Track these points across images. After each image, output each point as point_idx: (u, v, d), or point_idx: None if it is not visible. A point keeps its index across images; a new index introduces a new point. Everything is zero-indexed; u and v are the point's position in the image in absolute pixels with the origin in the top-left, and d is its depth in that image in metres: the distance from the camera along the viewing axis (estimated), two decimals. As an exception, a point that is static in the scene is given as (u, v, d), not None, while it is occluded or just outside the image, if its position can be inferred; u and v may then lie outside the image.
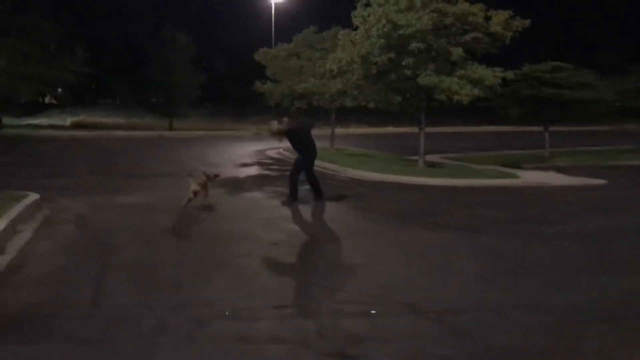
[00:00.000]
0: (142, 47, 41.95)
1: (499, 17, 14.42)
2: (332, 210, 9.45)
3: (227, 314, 4.50)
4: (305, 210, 9.35)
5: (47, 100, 56.39)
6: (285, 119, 10.10)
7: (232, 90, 52.45)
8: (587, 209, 10.33)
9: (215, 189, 10.06)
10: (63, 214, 8.62)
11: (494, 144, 27.42)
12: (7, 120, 34.14)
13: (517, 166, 16.68)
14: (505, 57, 16.37)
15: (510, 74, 15.18)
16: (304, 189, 10.04)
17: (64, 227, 7.71)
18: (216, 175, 9.82)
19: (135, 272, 5.66)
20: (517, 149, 23.95)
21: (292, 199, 9.72)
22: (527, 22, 14.56)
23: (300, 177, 9.84)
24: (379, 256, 6.57)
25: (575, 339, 4.18)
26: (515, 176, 14.17)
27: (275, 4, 39.85)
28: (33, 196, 9.15)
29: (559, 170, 16.15)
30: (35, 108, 48.54)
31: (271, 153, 21.14)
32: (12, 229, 7.15)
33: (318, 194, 9.97)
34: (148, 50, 40.07)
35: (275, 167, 16.50)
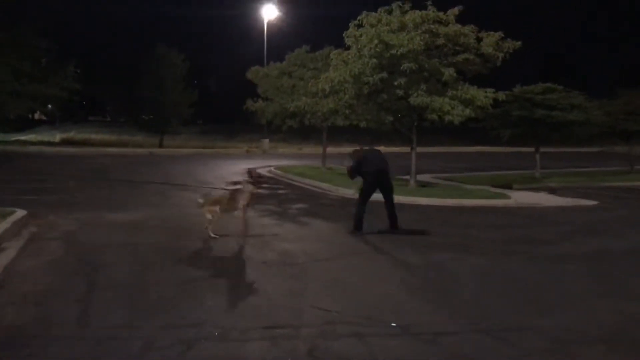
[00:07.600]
0: (133, 64, 41.95)
1: (491, 38, 14.58)
2: (324, 230, 9.37)
3: (216, 334, 4.39)
4: (297, 230, 9.26)
5: (36, 116, 56.24)
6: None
7: (223, 109, 52.70)
8: (578, 230, 10.32)
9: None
10: (50, 231, 8.48)
11: (486, 164, 27.52)
12: (-5, 136, 33.94)
13: (508, 186, 16.72)
14: (497, 78, 16.47)
15: (501, 95, 15.25)
16: (296, 207, 9.94)
17: (50, 245, 7.56)
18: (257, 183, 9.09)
19: (123, 291, 5.53)
20: (509, 170, 24.01)
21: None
22: (518, 43, 14.72)
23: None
24: (370, 277, 6.48)
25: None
26: (506, 197, 14.17)
27: (267, 23, 40.15)
28: (20, 212, 9.03)
29: (551, 191, 16.21)
30: (25, 124, 48.41)
31: (262, 171, 21.01)
32: (-3, 246, 7.02)
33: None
34: (140, 67, 40.10)
35: (266, 185, 16.39)
